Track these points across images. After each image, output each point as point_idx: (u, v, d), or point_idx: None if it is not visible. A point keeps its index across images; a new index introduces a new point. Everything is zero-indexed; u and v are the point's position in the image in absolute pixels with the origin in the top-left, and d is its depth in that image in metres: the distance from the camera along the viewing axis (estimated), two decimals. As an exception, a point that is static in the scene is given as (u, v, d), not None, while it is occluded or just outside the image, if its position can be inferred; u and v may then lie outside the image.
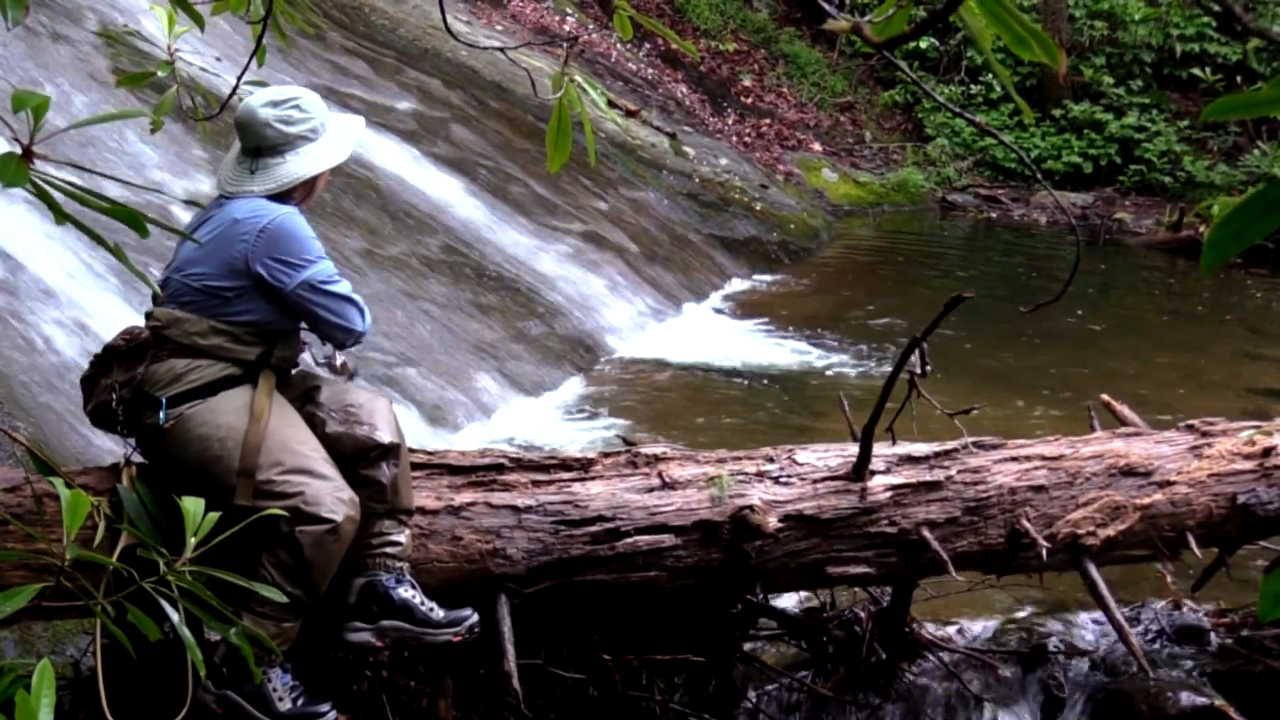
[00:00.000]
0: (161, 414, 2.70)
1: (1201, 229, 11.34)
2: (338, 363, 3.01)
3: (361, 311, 2.88)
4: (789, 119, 14.39)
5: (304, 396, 2.89)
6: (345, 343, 2.94)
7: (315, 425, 2.83)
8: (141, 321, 2.86)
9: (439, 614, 2.84)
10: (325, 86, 8.19)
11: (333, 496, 2.68)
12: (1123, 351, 8.30)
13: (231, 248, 2.73)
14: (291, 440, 2.73)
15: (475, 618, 2.88)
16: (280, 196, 2.82)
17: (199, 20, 2.36)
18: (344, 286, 2.84)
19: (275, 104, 2.82)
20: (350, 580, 2.82)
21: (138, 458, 2.82)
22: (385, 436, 2.84)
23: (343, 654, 2.97)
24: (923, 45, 14.71)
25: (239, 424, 2.70)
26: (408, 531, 2.87)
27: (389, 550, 2.83)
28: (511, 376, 6.67)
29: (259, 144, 2.82)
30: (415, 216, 7.61)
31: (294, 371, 2.94)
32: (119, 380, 2.75)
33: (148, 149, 6.51)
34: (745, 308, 9.09)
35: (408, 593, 2.82)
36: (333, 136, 2.89)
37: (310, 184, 2.89)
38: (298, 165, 2.82)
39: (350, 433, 2.83)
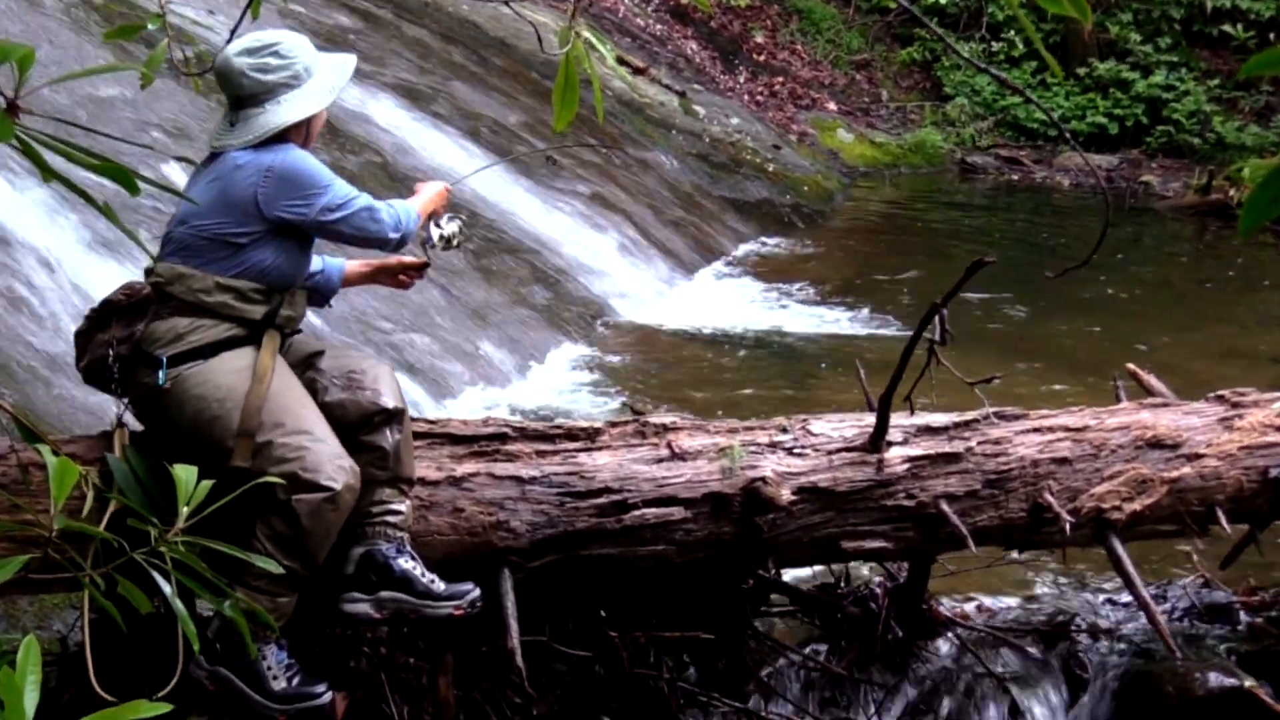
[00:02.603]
0: (161, 374, 2.65)
1: (1231, 192, 11.10)
2: (434, 238, 3.07)
3: (394, 217, 2.83)
4: (803, 77, 14.16)
5: (304, 362, 2.85)
6: (387, 251, 2.95)
7: (316, 391, 2.79)
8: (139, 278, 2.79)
9: (440, 586, 2.79)
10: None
11: (333, 463, 2.63)
12: (1150, 319, 8.17)
13: (240, 193, 2.68)
14: (294, 403, 2.69)
15: (477, 592, 2.83)
16: (274, 142, 2.75)
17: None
18: (363, 200, 2.79)
19: (251, 52, 2.73)
20: (349, 549, 2.76)
21: (130, 419, 2.75)
22: (389, 401, 2.80)
23: (340, 626, 2.92)
24: (942, 1, 14.42)
25: (239, 385, 2.66)
26: (409, 501, 2.82)
27: (389, 519, 2.78)
28: (515, 343, 6.58)
29: (238, 94, 2.75)
30: (415, 178, 7.48)
31: (295, 337, 2.89)
32: (117, 336, 2.69)
33: (140, 106, 6.39)
34: (757, 272, 8.97)
35: (408, 564, 2.77)
36: (318, 81, 2.80)
37: (304, 130, 2.81)
38: (277, 114, 2.75)
39: (353, 398, 2.79)
